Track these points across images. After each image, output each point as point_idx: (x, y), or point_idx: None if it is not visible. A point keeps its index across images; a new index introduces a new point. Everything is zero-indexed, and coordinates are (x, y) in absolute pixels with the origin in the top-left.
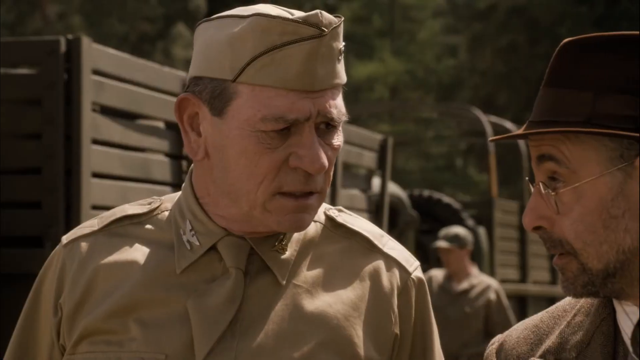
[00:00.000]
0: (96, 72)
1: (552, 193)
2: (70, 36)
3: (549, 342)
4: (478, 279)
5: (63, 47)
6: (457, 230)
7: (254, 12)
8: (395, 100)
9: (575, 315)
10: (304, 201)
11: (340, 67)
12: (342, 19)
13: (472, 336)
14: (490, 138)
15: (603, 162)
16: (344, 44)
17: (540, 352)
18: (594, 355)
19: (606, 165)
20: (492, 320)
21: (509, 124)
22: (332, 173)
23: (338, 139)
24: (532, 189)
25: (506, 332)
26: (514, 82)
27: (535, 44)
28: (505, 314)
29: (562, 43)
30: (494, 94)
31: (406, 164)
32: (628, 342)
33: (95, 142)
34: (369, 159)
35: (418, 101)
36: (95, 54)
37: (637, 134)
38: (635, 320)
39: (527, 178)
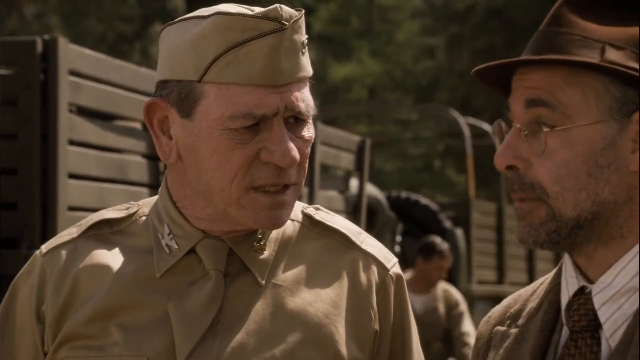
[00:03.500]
0: (73, 73)
1: (528, 132)
2: (46, 36)
3: (513, 310)
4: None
5: (39, 48)
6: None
7: (214, 11)
8: (373, 101)
9: (542, 282)
10: (280, 197)
11: (305, 60)
12: (303, 12)
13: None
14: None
15: (602, 110)
16: (306, 36)
17: (506, 319)
18: (537, 323)
19: (604, 113)
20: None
21: (486, 126)
22: (306, 165)
23: (309, 132)
24: (504, 128)
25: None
26: None
27: (513, 45)
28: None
29: None
30: (471, 96)
31: (384, 165)
32: (562, 313)
33: (72, 142)
34: (346, 160)
35: (396, 102)
36: (72, 55)
37: None
38: (572, 292)
39: (499, 120)
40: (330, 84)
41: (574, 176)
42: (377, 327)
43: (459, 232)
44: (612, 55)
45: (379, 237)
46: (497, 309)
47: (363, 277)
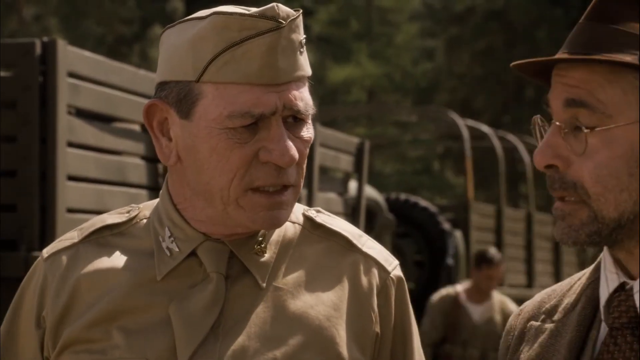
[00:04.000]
0: (72, 75)
1: (583, 131)
2: (45, 38)
3: (548, 305)
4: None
5: (38, 50)
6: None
7: (212, 12)
8: (372, 103)
9: (579, 278)
10: (278, 197)
11: (304, 60)
12: (301, 11)
13: None
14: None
15: None
16: (304, 36)
17: (540, 314)
18: (573, 318)
19: None
20: None
21: (485, 128)
22: (304, 167)
23: (308, 132)
24: (539, 125)
25: (531, 299)
26: (491, 86)
27: (512, 47)
28: None
29: None
30: (471, 98)
31: (383, 167)
32: (601, 309)
33: (71, 144)
34: (345, 162)
35: (395, 104)
36: (71, 57)
37: None
38: (612, 288)
39: (537, 115)
40: (330, 86)
41: (615, 177)
42: (378, 329)
43: (458, 234)
44: None
45: (378, 239)
46: (530, 304)
47: (364, 279)
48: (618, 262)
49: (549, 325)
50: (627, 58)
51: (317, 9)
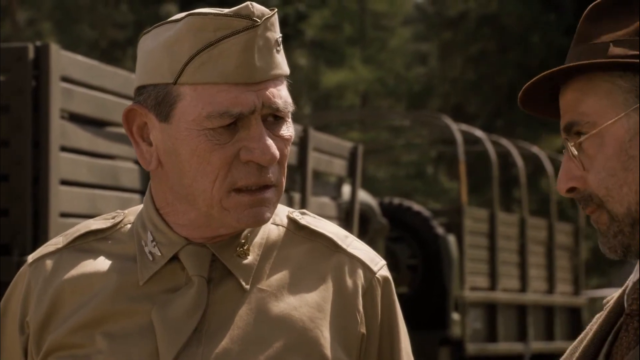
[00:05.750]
0: (64, 79)
1: (575, 152)
2: (38, 43)
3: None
4: None
5: (31, 54)
6: None
7: (186, 14)
8: (366, 108)
9: None
10: (261, 195)
11: (281, 58)
12: (275, 10)
13: None
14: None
15: (619, 105)
16: (280, 35)
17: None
18: (610, 306)
19: (622, 107)
20: None
21: (479, 132)
22: (286, 165)
23: (288, 130)
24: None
25: None
26: (484, 90)
27: (505, 52)
28: None
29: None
30: (464, 102)
31: (376, 172)
32: (625, 297)
33: (64, 149)
34: (339, 166)
35: (388, 109)
36: (64, 61)
37: None
38: (636, 277)
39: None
40: (323, 91)
41: (613, 175)
42: (363, 330)
43: (452, 239)
44: (617, 50)
45: (372, 243)
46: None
47: (349, 280)
48: None
49: (600, 313)
50: (580, 63)
51: (311, 13)
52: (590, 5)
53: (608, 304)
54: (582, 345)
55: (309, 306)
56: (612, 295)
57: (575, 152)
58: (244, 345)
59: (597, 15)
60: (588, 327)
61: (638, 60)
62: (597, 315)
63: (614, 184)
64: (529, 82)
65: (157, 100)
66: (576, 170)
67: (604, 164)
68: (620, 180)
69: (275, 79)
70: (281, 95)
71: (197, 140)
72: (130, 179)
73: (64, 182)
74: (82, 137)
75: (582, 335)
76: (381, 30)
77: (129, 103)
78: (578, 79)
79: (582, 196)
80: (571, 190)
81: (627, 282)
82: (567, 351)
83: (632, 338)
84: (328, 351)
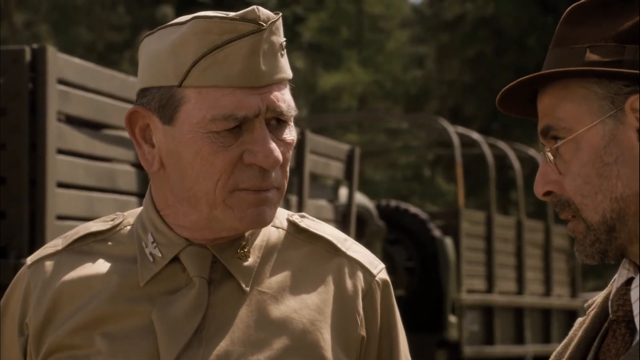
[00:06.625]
0: (61, 82)
1: (552, 157)
2: (35, 45)
3: (595, 300)
4: None
5: (28, 56)
6: None
7: (192, 17)
8: (363, 111)
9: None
10: (264, 194)
11: (285, 62)
12: (280, 14)
13: None
14: (506, 87)
15: (594, 112)
16: (285, 39)
17: (588, 307)
18: (595, 311)
19: (597, 114)
20: None
21: (476, 135)
22: (288, 169)
23: (290, 134)
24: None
25: None
26: (481, 93)
27: (502, 54)
28: None
29: (568, 8)
30: (461, 105)
31: (373, 174)
32: (609, 303)
33: (61, 151)
34: (336, 169)
35: (385, 111)
36: (61, 63)
37: (620, 70)
38: (619, 283)
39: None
40: (320, 93)
41: (587, 182)
42: (363, 333)
43: (449, 241)
44: (593, 56)
45: (369, 246)
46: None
47: (349, 283)
48: (633, 260)
49: (583, 318)
50: (552, 71)
51: (308, 16)
52: (569, 8)
53: (591, 308)
54: (568, 352)
55: (309, 309)
56: (593, 299)
57: (552, 157)
58: (244, 347)
59: (575, 18)
60: (572, 332)
61: (612, 68)
62: (580, 320)
63: (589, 191)
64: (506, 87)
65: (161, 102)
66: (552, 174)
67: (579, 170)
68: (595, 188)
69: (279, 83)
70: (285, 99)
71: (201, 143)
72: (127, 182)
73: (61, 185)
74: (79, 140)
75: (566, 340)
76: (378, 33)
77: (126, 106)
78: (555, 84)
79: (558, 200)
80: (548, 194)
81: (610, 286)
82: (552, 356)
83: (620, 345)
84: (328, 353)
